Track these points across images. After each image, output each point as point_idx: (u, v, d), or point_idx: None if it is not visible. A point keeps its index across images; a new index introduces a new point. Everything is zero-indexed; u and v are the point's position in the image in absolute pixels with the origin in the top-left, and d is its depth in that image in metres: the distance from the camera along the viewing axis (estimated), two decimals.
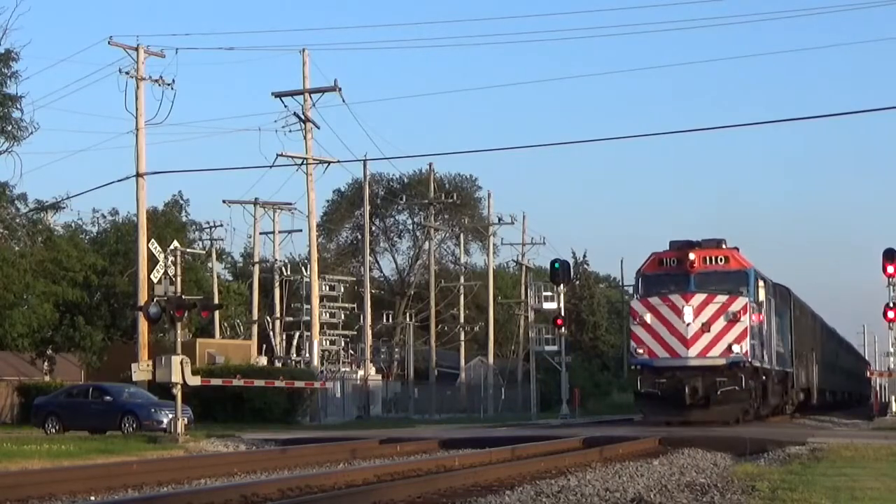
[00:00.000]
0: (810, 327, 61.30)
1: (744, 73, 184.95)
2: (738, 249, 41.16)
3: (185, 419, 38.49)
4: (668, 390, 37.98)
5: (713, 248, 40.24)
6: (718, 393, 37.44)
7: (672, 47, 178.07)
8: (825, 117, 76.66)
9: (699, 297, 38.42)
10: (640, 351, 38.98)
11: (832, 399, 70.58)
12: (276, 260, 76.55)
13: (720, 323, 38.32)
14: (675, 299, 38.55)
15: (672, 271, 39.94)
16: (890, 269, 47.56)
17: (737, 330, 38.22)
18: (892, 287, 48.26)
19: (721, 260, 39.94)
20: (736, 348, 37.97)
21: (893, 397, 52.79)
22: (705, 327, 38.06)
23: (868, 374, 75.75)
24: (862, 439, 29.91)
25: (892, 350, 51.04)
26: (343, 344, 73.70)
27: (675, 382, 37.72)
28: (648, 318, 38.73)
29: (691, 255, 38.80)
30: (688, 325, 38.14)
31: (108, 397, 43.28)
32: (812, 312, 64.22)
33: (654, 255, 40.93)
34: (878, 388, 64.19)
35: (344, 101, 56.26)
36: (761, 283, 41.18)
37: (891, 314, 49.30)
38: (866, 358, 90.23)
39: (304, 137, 55.99)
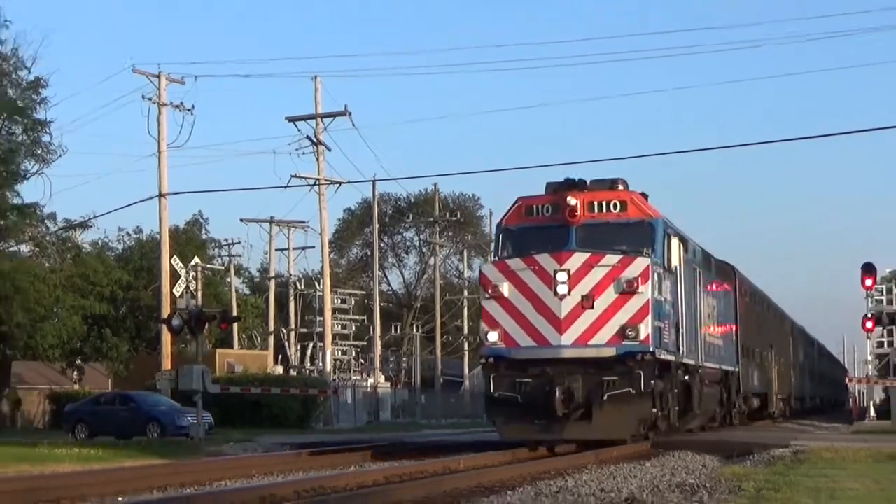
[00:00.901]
0: (769, 320, 48.38)
1: (733, 97, 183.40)
2: (645, 196, 26.39)
3: (206, 425, 38.70)
4: (533, 395, 23.68)
5: (604, 189, 25.56)
6: (605, 398, 23.45)
7: (667, 72, 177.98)
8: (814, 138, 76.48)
9: (579, 258, 23.97)
10: (494, 337, 24.29)
11: (800, 406, 57.67)
12: (290, 275, 76.66)
13: (609, 295, 23.86)
14: (544, 261, 24.00)
15: (545, 222, 25.28)
16: (868, 283, 47.28)
17: (633, 306, 23.86)
18: (870, 299, 48.52)
19: (615, 206, 25.13)
20: (631, 332, 23.68)
21: (872, 402, 52.95)
22: (587, 302, 23.71)
23: (847, 380, 75.87)
24: (842, 442, 29.90)
25: (870, 358, 51.11)
26: (354, 354, 73.81)
27: (542, 383, 23.59)
28: (506, 288, 24.20)
29: (571, 200, 24.27)
30: (561, 298, 23.74)
31: (133, 404, 43.30)
32: (772, 304, 51.38)
33: (521, 200, 26.09)
34: (856, 394, 64.20)
35: (354, 124, 56.38)
36: (675, 242, 26.33)
37: (869, 324, 49.23)
38: (845, 366, 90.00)
39: (317, 159, 56.12)
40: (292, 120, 56.33)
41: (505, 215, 26.58)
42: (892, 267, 50.94)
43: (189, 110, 52.36)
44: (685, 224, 31.16)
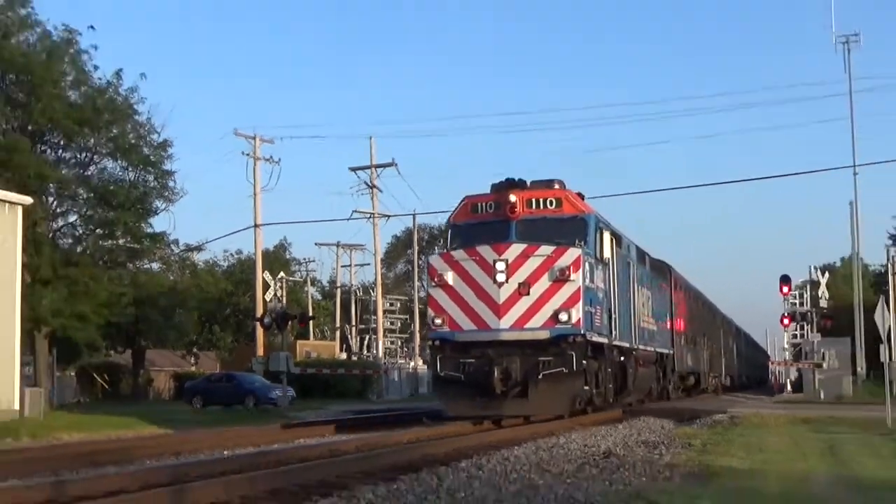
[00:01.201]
0: (702, 313, 44.52)
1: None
2: (581, 196, 23.30)
3: (290, 397, 38.98)
4: (475, 375, 20.69)
5: (542, 188, 22.61)
6: (539, 377, 20.36)
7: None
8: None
9: (516, 249, 21.13)
10: (440, 321, 21.69)
11: (730, 383, 54.50)
12: (352, 285, 76.76)
13: (543, 283, 20.88)
14: (485, 252, 21.15)
15: (489, 219, 22.50)
16: (785, 290, 47.46)
17: (566, 292, 20.78)
18: (786, 302, 48.95)
19: (551, 203, 22.27)
20: (563, 316, 20.59)
21: (788, 380, 52.97)
22: (523, 289, 20.77)
23: (770, 363, 75.64)
24: (766, 410, 29.80)
25: (786, 346, 51.10)
26: (399, 343, 73.77)
27: (483, 364, 20.69)
28: (450, 277, 21.29)
29: (511, 197, 21.57)
30: (500, 285, 20.89)
31: (235, 381, 43.32)
32: (706, 300, 47.54)
33: (468, 199, 23.30)
34: (776, 374, 64.06)
35: (399, 172, 57.35)
36: (607, 236, 23.25)
37: (785, 321, 49.74)
38: (768, 352, 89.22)
39: (371, 199, 57.11)
40: (354, 170, 57.51)
41: (454, 213, 23.08)
42: (804, 277, 50.84)
43: (277, 162, 53.91)
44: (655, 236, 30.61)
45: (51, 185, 35.84)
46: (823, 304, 49.42)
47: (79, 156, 37.60)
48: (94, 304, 35.48)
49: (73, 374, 61.85)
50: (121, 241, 38.12)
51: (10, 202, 25.72)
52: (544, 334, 20.14)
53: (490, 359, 20.20)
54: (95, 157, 37.50)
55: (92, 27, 37.68)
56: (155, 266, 50.24)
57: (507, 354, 20.19)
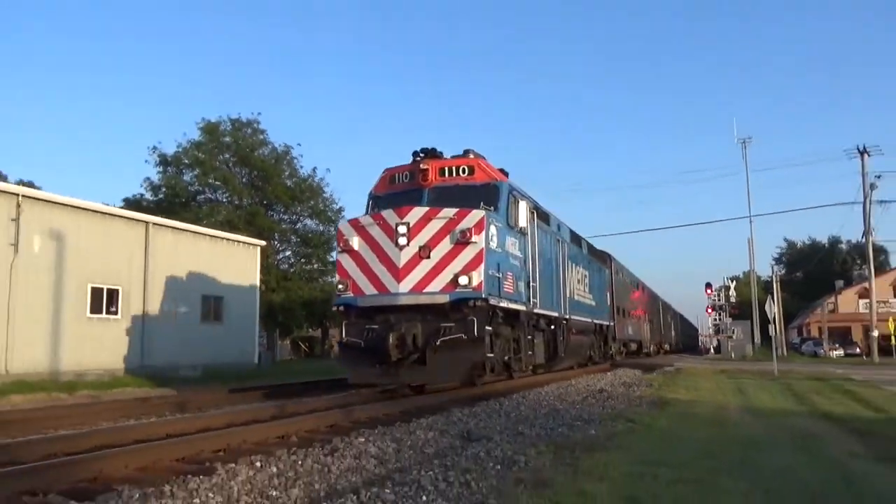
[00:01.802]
0: (645, 296, 35.25)
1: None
2: (505, 173, 14.11)
3: None
4: (375, 341, 11.77)
5: (457, 158, 13.63)
6: (437, 343, 11.25)
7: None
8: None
9: (418, 212, 12.11)
10: (343, 287, 12.43)
11: (669, 348, 44.78)
12: None
13: (444, 246, 11.76)
14: (388, 216, 12.27)
15: (405, 188, 13.41)
16: (708, 291, 46.96)
17: (467, 255, 11.56)
18: (709, 298, 47.99)
19: (464, 171, 13.27)
20: (463, 280, 11.37)
21: (711, 346, 51.42)
22: (424, 252, 11.73)
23: (700, 336, 73.38)
24: (699, 364, 28.67)
25: (710, 325, 49.96)
26: None
27: (383, 330, 11.84)
28: (356, 241, 12.40)
29: (424, 165, 13.19)
30: (401, 248, 11.97)
31: None
32: (647, 287, 37.09)
33: (387, 170, 14.14)
34: (704, 343, 62.06)
35: None
36: (523, 205, 13.53)
37: (709, 311, 48.90)
38: (698, 328, 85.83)
39: None
40: None
41: (374, 185, 14.05)
42: (719, 283, 49.79)
43: None
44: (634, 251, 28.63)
45: (276, 234, 36.79)
46: (732, 300, 48.25)
47: (291, 217, 38.26)
48: (300, 302, 36.27)
49: (287, 342, 62.56)
50: (315, 266, 38.69)
51: (252, 244, 26.42)
52: (443, 298, 11.75)
53: (391, 325, 11.87)
54: (301, 217, 38.33)
55: (299, 144, 38.89)
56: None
57: (408, 320, 11.83)
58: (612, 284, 24.86)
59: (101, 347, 18.91)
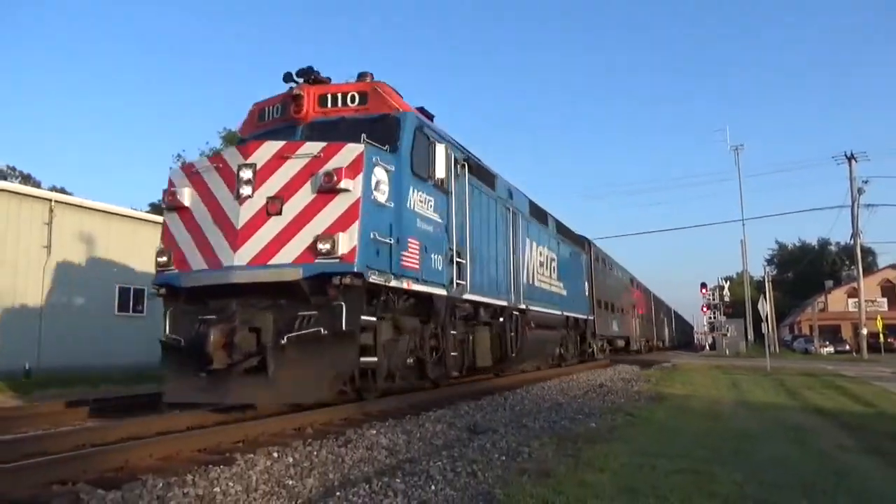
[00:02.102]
0: (636, 290, 30.84)
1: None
2: (428, 115, 8.07)
3: None
4: (198, 339, 5.58)
5: (346, 84, 7.15)
6: (283, 342, 5.49)
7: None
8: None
9: (269, 148, 5.92)
10: (164, 259, 6.32)
11: (662, 345, 40.54)
12: None
13: (304, 196, 5.77)
14: (230, 156, 5.98)
15: (275, 125, 7.29)
16: (703, 291, 46.38)
17: (334, 209, 5.71)
18: (704, 297, 47.93)
19: (354, 99, 6.75)
20: (325, 245, 5.75)
21: (707, 343, 51.31)
22: (273, 206, 5.66)
23: (695, 333, 73.25)
24: (694, 361, 28.58)
25: (705, 323, 49.84)
26: None
27: (211, 324, 5.59)
28: (187, 195, 6.25)
29: (298, 92, 6.78)
30: (242, 202, 5.76)
31: None
32: (639, 281, 32.87)
33: (256, 105, 7.85)
34: (699, 340, 61.85)
35: None
36: (441, 150, 7.52)
37: (704, 309, 48.23)
38: (694, 326, 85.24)
39: None
40: None
41: (240, 125, 8.49)
42: (713, 283, 49.80)
43: None
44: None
45: None
46: (726, 299, 48.22)
47: None
48: None
49: None
50: None
51: None
52: (294, 274, 6.48)
53: (230, 315, 6.68)
54: None
55: None
56: None
57: (254, 306, 6.71)
58: (590, 272, 19.86)
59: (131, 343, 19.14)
